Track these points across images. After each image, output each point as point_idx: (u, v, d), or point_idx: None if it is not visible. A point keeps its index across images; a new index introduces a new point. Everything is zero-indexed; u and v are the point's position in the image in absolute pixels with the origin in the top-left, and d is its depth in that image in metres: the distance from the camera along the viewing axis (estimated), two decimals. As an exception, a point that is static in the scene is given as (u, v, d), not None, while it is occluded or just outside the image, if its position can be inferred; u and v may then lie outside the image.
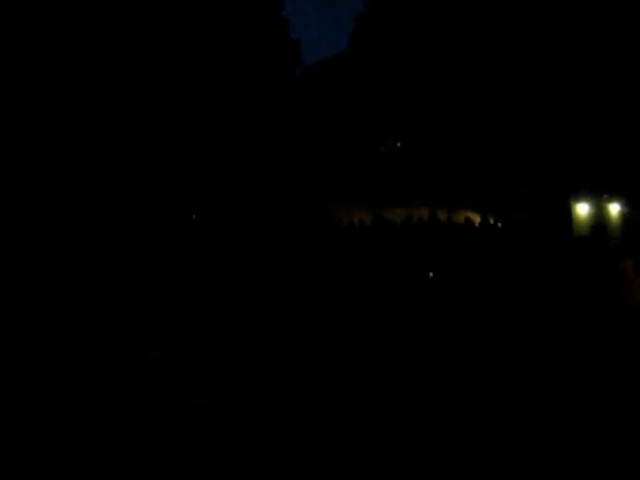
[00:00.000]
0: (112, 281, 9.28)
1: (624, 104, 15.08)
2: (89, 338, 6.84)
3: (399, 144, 18.65)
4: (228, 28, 14.91)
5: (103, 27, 12.95)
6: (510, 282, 10.06)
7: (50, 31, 12.67)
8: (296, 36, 21.18)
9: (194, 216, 13.55)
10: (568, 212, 16.37)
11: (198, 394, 5.26)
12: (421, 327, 8.16)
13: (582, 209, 16.64)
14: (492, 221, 14.50)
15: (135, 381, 5.51)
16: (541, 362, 6.34)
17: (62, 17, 12.79)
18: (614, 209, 16.74)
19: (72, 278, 9.31)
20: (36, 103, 12.19)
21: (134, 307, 8.36)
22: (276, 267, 10.63)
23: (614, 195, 16.51)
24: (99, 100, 12.74)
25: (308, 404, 4.89)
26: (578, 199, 16.53)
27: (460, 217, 13.99)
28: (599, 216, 16.62)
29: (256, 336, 7.39)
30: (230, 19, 15.15)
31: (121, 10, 13.38)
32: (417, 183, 16.81)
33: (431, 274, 11.21)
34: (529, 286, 9.74)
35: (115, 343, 6.67)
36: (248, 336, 7.44)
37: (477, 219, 14.70)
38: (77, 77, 12.68)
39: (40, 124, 12.07)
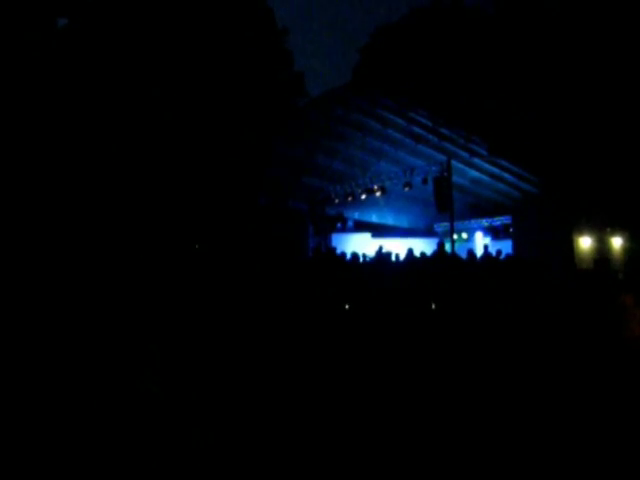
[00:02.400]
0: (113, 313, 9.21)
1: (627, 138, 15.19)
2: (89, 371, 6.77)
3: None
4: (231, 60, 15.14)
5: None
6: (512, 313, 10.05)
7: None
8: (301, 67, 21.54)
9: (197, 245, 13.57)
10: (571, 245, 16.37)
11: (200, 430, 5.17)
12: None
13: (585, 242, 16.65)
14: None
15: (136, 417, 5.43)
16: (538, 391, 6.36)
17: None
18: (617, 243, 16.74)
19: (73, 309, 9.25)
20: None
21: (134, 340, 8.27)
22: (281, 297, 10.59)
23: (617, 229, 16.53)
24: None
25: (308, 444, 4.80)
26: (581, 232, 16.54)
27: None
28: (602, 249, 16.62)
29: (258, 371, 7.31)
30: (233, 51, 15.40)
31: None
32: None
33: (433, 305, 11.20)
34: (530, 317, 9.75)
35: (115, 378, 6.58)
36: (250, 369, 7.37)
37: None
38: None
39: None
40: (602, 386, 6.48)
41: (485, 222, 19.75)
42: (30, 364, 6.96)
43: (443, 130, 15.17)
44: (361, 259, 13.28)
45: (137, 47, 14.01)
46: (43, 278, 10.37)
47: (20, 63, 12.38)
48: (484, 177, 17.57)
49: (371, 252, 14.44)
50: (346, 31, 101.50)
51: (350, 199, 18.36)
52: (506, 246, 16.76)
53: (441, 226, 20.70)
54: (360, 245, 17.22)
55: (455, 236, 17.90)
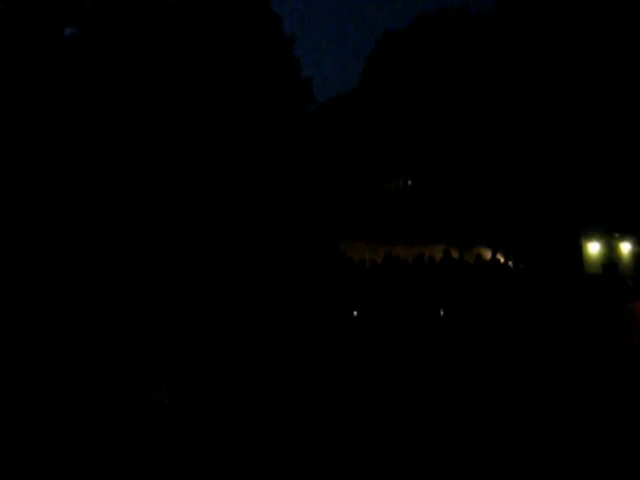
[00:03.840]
0: (119, 320, 9.16)
1: (636, 144, 15.15)
2: (98, 379, 6.76)
3: (410, 182, 18.77)
4: (240, 68, 15.18)
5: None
6: (521, 320, 10.02)
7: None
8: (308, 74, 21.58)
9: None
10: (579, 250, 16.31)
11: (207, 440, 5.15)
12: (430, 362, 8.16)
13: (593, 248, 16.58)
14: (503, 258, 14.38)
15: (141, 425, 5.40)
16: (546, 399, 6.35)
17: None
18: (625, 248, 16.66)
19: (82, 315, 9.24)
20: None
21: (141, 347, 8.19)
22: (286, 305, 10.53)
23: (626, 234, 16.46)
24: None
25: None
26: (589, 238, 16.48)
27: (473, 254, 13.92)
28: (610, 255, 16.54)
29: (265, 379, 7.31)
30: (242, 60, 15.44)
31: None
32: (430, 220, 16.92)
33: (442, 312, 11.13)
34: (539, 323, 9.73)
35: (124, 386, 6.58)
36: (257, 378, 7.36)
37: (489, 256, 14.63)
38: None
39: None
40: (610, 393, 6.43)
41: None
42: (38, 371, 6.96)
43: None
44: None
45: (146, 55, 14.07)
46: (50, 285, 10.37)
47: (29, 70, 12.49)
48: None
49: None
50: (352, 38, 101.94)
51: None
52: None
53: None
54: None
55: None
